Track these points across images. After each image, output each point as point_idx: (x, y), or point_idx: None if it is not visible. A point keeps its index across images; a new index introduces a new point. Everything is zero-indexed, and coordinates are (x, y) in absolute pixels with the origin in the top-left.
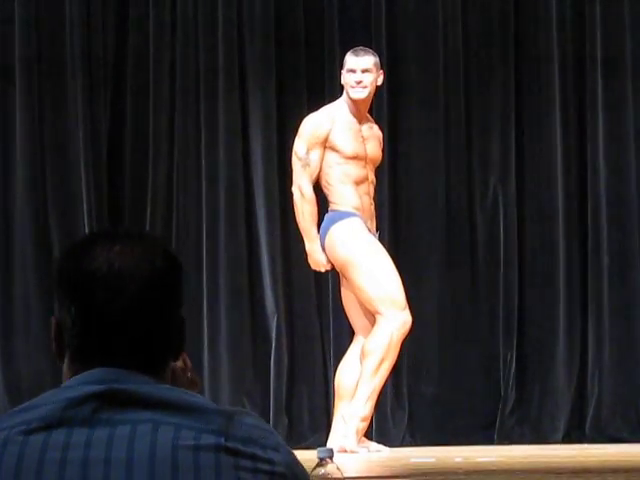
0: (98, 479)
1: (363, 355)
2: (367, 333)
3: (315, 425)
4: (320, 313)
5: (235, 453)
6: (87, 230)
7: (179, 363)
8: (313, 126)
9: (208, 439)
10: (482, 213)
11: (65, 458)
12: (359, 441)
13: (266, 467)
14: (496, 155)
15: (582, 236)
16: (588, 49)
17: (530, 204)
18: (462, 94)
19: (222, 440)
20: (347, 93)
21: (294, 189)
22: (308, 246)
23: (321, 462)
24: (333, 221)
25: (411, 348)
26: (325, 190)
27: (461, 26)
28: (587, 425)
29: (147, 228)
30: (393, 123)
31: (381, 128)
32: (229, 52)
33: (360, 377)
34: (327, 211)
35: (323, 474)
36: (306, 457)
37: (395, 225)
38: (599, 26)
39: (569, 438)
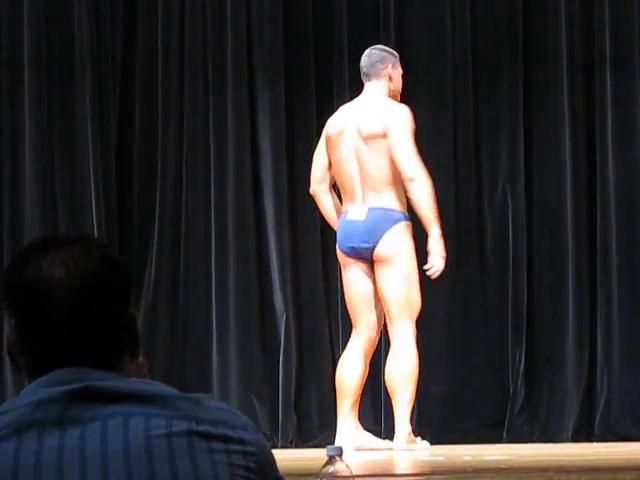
0: (74, 479)
1: (402, 360)
2: (369, 330)
3: (324, 423)
4: (329, 312)
5: (207, 436)
6: (96, 229)
7: (140, 360)
8: (413, 119)
9: (180, 425)
10: (491, 212)
11: (40, 462)
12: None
13: (238, 447)
14: (505, 155)
15: (591, 234)
16: (597, 48)
17: (539, 203)
18: (471, 94)
19: (193, 425)
20: (399, 96)
21: (421, 177)
22: (440, 232)
23: (330, 460)
24: (405, 217)
25: (420, 347)
26: (392, 185)
27: (470, 26)
28: (596, 424)
29: (156, 228)
30: None
31: None
32: (238, 50)
33: (404, 401)
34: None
35: (332, 472)
36: (315, 455)
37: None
38: (608, 25)
39: (578, 437)
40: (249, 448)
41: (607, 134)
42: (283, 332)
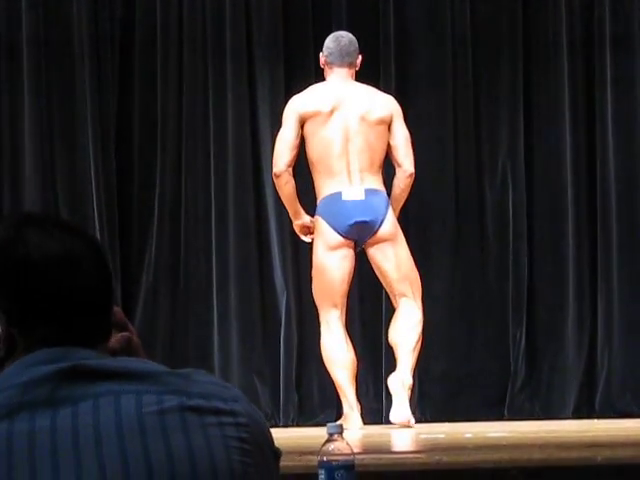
0: (68, 458)
1: (408, 328)
2: (344, 315)
3: (325, 402)
4: None
5: (199, 410)
6: (96, 212)
7: (135, 339)
8: None
9: (171, 401)
10: (491, 191)
11: (33, 443)
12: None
13: (230, 419)
14: (505, 134)
15: (591, 213)
16: (596, 27)
17: (539, 182)
18: (470, 73)
19: (184, 399)
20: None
21: (413, 176)
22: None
23: (331, 438)
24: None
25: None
26: (380, 169)
27: (469, 6)
28: (597, 400)
29: (156, 210)
30: (401, 104)
31: None
32: (237, 32)
33: (408, 347)
34: (373, 188)
35: (332, 450)
36: (316, 434)
37: (405, 204)
38: (607, 4)
39: (579, 413)
40: (241, 419)
41: (607, 113)
42: (284, 311)
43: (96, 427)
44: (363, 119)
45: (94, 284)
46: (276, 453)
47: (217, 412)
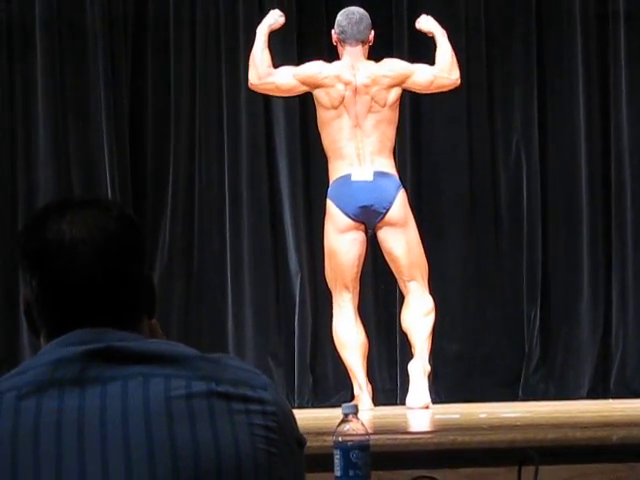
0: (95, 438)
1: (422, 314)
2: (356, 297)
3: (339, 383)
4: None
5: (227, 396)
6: (110, 193)
7: (153, 321)
8: None
9: (199, 386)
10: (505, 172)
11: (60, 420)
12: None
13: (257, 407)
14: (518, 113)
15: (605, 192)
16: (610, 4)
17: (553, 162)
18: (484, 52)
19: (213, 385)
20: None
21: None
22: None
23: (346, 418)
24: (402, 184)
25: (435, 306)
26: (391, 153)
27: None
28: (611, 380)
29: (170, 188)
30: None
31: None
32: (250, 11)
33: (424, 334)
34: (382, 170)
35: (348, 430)
36: (331, 415)
37: (418, 184)
38: None
39: (594, 394)
40: (269, 408)
41: (621, 89)
42: (298, 293)
43: (124, 408)
44: (372, 104)
45: (114, 267)
46: (301, 442)
47: (245, 399)
